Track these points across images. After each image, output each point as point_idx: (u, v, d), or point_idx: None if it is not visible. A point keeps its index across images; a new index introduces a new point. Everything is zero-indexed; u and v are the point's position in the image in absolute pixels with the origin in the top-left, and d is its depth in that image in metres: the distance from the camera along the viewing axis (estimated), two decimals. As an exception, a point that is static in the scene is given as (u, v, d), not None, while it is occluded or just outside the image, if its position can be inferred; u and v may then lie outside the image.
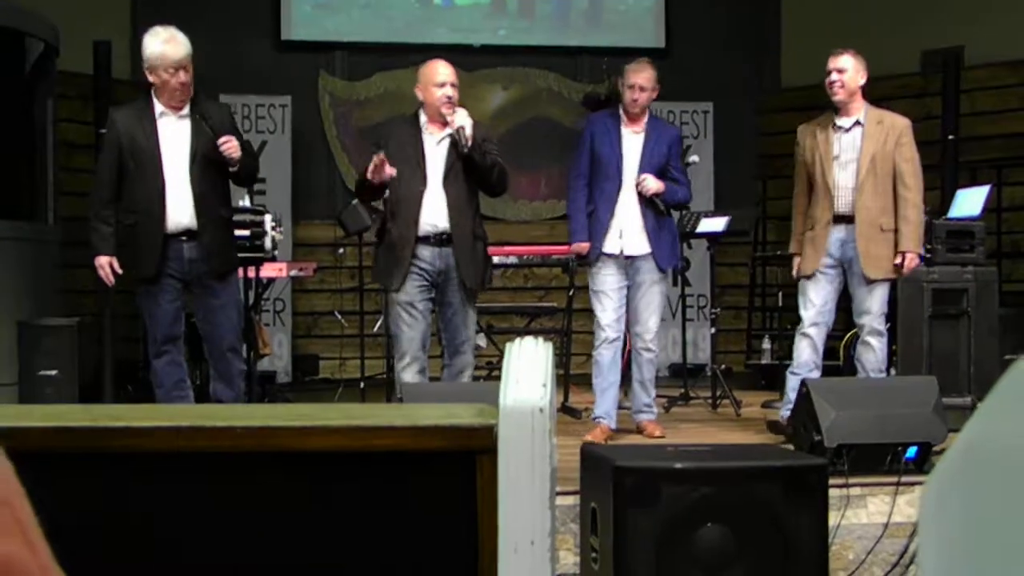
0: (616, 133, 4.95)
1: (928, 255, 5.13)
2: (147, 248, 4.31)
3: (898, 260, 4.72)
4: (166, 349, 4.35)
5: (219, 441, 1.41)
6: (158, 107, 4.33)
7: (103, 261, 4.35)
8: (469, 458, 1.41)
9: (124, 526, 1.45)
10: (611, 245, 4.92)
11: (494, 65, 8.29)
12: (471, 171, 4.48)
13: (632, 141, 4.96)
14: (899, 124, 4.81)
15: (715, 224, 6.23)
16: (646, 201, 4.92)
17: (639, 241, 4.92)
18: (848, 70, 4.73)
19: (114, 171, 4.36)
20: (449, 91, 4.45)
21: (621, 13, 8.46)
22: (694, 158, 6.35)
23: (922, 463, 3.96)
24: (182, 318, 4.46)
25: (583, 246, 4.99)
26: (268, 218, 5.05)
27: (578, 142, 5.18)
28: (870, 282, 4.74)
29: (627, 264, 4.95)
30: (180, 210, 4.32)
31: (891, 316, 5.07)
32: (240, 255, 4.81)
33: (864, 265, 4.73)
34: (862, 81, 4.77)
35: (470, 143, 4.38)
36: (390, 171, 4.38)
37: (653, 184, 4.85)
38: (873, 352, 4.80)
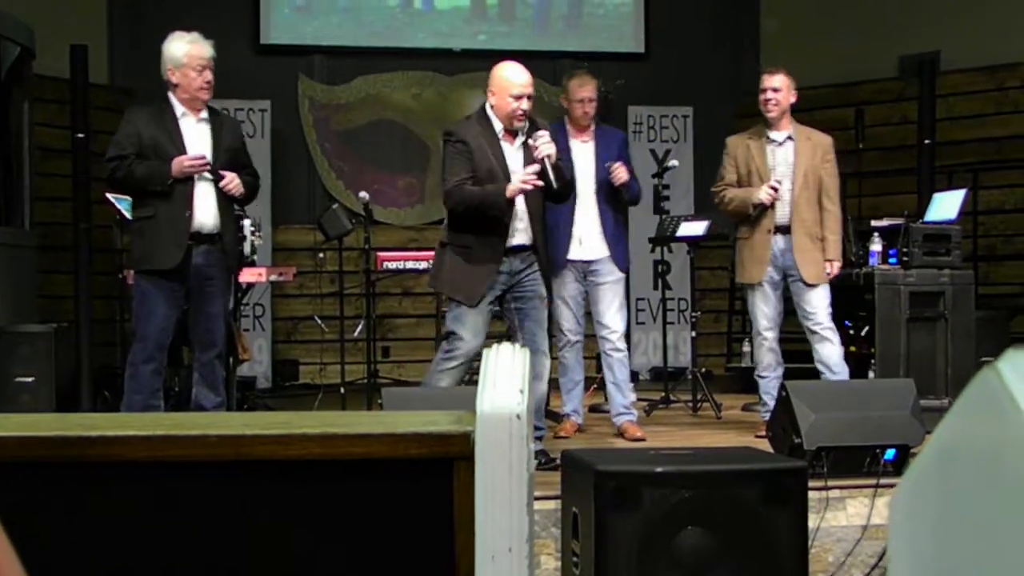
0: (565, 145, 4.93)
1: (905, 258, 5.22)
2: (171, 241, 4.28)
3: (827, 269, 4.95)
4: (155, 356, 4.34)
5: (194, 450, 1.40)
6: (178, 109, 4.37)
7: (180, 158, 4.25)
8: (446, 465, 1.41)
9: (100, 535, 1.44)
10: (572, 252, 5.02)
11: (474, 69, 8.26)
12: (549, 192, 4.28)
13: (583, 151, 5.06)
14: (825, 142, 5.07)
15: (695, 228, 6.25)
16: (607, 203, 5.03)
17: (597, 246, 5.03)
18: (783, 89, 4.99)
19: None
20: (525, 104, 4.20)
21: (600, 17, 8.48)
22: (674, 162, 6.38)
23: (900, 465, 3.98)
24: (173, 328, 4.44)
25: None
26: (247, 223, 5.03)
27: None
28: (810, 286, 4.94)
29: (586, 268, 5.04)
30: (205, 211, 4.35)
31: (836, 316, 5.11)
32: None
33: (804, 273, 4.94)
34: (793, 100, 5.04)
35: (556, 171, 4.16)
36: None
37: (624, 173, 4.95)
38: (832, 344, 4.93)
